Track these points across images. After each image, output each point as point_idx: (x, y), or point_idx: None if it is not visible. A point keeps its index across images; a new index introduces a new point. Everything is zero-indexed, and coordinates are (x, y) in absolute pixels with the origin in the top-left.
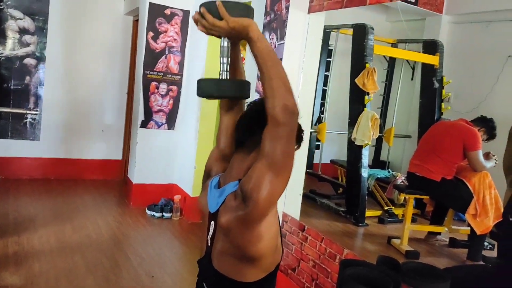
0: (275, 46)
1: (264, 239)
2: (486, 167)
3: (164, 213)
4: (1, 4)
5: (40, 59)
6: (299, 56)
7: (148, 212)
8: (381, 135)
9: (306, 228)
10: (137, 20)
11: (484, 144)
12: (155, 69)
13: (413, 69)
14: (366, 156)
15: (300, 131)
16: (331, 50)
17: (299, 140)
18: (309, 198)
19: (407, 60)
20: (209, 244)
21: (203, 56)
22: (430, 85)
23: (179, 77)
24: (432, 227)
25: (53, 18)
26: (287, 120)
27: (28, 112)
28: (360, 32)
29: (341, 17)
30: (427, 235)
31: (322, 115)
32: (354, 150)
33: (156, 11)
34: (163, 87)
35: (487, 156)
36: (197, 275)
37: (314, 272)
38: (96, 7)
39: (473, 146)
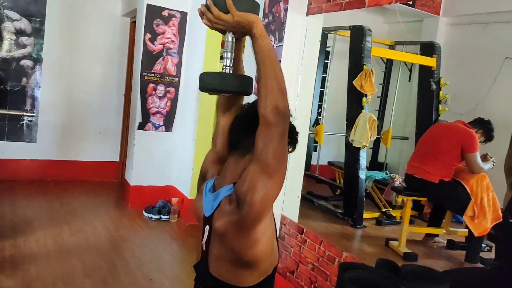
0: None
1: (260, 242)
2: (484, 169)
3: (161, 215)
4: None
5: (37, 60)
6: (297, 58)
7: (146, 214)
8: (378, 136)
9: (304, 231)
10: (135, 22)
11: (481, 146)
12: (152, 71)
13: (410, 70)
14: (364, 158)
15: (294, 133)
16: (329, 51)
17: (293, 142)
18: (307, 200)
19: (404, 62)
20: (203, 249)
21: (200, 58)
22: (428, 86)
23: (177, 78)
24: (430, 229)
25: (50, 19)
26: (278, 121)
27: (24, 114)
28: (358, 34)
29: (338, 18)
30: (425, 237)
31: (319, 117)
32: (352, 152)
33: (154, 12)
34: (161, 88)
35: (484, 158)
36: (194, 280)
37: (313, 275)
38: (93, 9)
39: (471, 148)
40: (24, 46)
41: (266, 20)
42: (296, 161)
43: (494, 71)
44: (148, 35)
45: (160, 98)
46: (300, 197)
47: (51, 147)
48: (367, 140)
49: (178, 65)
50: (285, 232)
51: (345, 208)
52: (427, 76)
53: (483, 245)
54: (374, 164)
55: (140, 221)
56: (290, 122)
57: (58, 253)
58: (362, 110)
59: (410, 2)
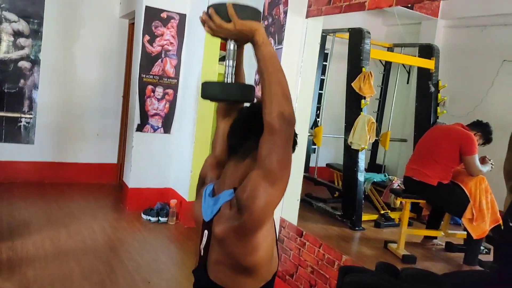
0: None
1: (260, 249)
2: (482, 171)
3: (160, 218)
4: None
5: (35, 62)
6: (297, 60)
7: (144, 216)
8: (377, 139)
9: (304, 234)
10: (133, 23)
11: (480, 149)
12: (151, 73)
13: (408, 73)
14: (363, 160)
15: (294, 135)
16: (327, 53)
17: (294, 144)
18: (305, 202)
19: (403, 64)
20: (201, 254)
21: (199, 60)
22: (426, 89)
23: (175, 80)
24: (428, 231)
25: (48, 21)
26: (283, 128)
27: (22, 115)
28: (357, 36)
29: (336, 20)
30: (424, 239)
31: (318, 119)
32: (351, 154)
33: (153, 14)
34: (159, 90)
35: (483, 160)
36: (193, 286)
37: (312, 278)
38: (91, 10)
39: (469, 150)
40: (22, 47)
41: (266, 23)
42: (295, 163)
43: (492, 74)
44: (147, 37)
45: (158, 100)
46: (299, 200)
47: (48, 149)
48: (366, 142)
49: (177, 67)
50: (284, 235)
51: (344, 210)
52: (425, 79)
53: (482, 248)
54: (373, 166)
55: (138, 223)
56: None
57: (55, 255)
58: (361, 113)
59: (405, 4)
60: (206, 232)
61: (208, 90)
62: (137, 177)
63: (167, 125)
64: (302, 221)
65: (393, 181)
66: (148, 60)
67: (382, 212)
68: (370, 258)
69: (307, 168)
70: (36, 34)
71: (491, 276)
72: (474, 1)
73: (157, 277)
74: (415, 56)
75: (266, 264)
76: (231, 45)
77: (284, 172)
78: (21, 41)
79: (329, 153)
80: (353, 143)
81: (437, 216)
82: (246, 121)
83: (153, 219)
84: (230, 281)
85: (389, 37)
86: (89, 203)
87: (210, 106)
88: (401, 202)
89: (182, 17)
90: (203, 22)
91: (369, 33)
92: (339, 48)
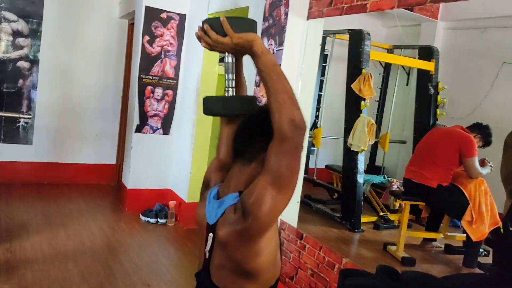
0: (273, 52)
1: (263, 254)
2: (482, 173)
3: (158, 219)
4: None
5: (34, 62)
6: (297, 62)
7: (142, 218)
8: (376, 140)
9: (304, 236)
10: (133, 24)
11: (479, 151)
12: (150, 73)
13: (408, 74)
14: (362, 162)
15: None
16: (327, 55)
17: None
18: (304, 203)
19: (402, 66)
20: (206, 257)
21: (199, 61)
22: (426, 90)
23: (175, 81)
24: (427, 234)
25: (47, 20)
26: (295, 135)
27: (21, 115)
28: (357, 38)
29: (336, 22)
30: (423, 241)
31: (317, 120)
32: (350, 156)
33: (152, 14)
34: (159, 91)
35: (482, 162)
36: None
37: (312, 281)
38: (91, 10)
39: (469, 153)
40: (21, 47)
41: (267, 24)
42: None
43: (491, 76)
44: (147, 37)
45: (158, 100)
46: (299, 202)
47: (47, 149)
48: (366, 144)
49: (177, 68)
50: (284, 237)
51: (343, 212)
52: (425, 80)
53: (481, 250)
54: (372, 168)
55: (137, 224)
56: None
57: (54, 257)
58: (361, 114)
59: (407, 7)
60: (211, 235)
61: (210, 106)
62: (136, 178)
63: (166, 126)
64: (301, 223)
65: (393, 183)
66: (148, 61)
67: (381, 214)
68: (369, 260)
69: (306, 169)
70: (35, 34)
71: (491, 279)
72: (474, 3)
73: (156, 279)
74: (415, 57)
75: (268, 269)
76: (229, 59)
77: (293, 179)
78: (20, 41)
79: (328, 155)
80: (352, 145)
81: (436, 218)
82: (252, 125)
83: (152, 220)
84: (233, 285)
85: (389, 39)
86: (87, 204)
87: None
88: (400, 204)
89: (182, 17)
90: (199, 38)
91: (369, 34)
92: (339, 49)
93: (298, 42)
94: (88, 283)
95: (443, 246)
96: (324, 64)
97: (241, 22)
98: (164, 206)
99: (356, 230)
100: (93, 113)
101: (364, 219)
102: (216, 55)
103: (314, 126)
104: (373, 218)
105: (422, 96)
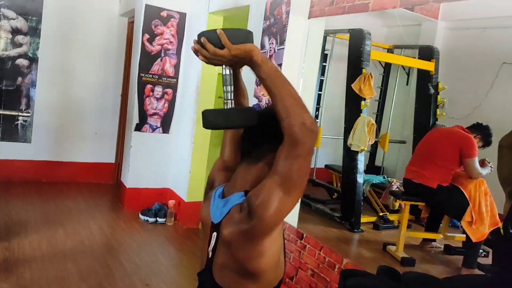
0: (274, 51)
1: (267, 255)
2: (482, 174)
3: (158, 218)
4: None
5: (33, 60)
6: (299, 61)
7: (142, 217)
8: (376, 140)
9: (304, 236)
10: (133, 22)
11: (480, 151)
12: (150, 72)
13: (408, 74)
14: (362, 162)
15: None
16: (327, 54)
17: None
18: (304, 203)
19: (402, 66)
20: (209, 256)
21: (199, 60)
22: (426, 90)
23: (175, 80)
24: (427, 234)
25: (47, 18)
26: (307, 138)
27: (19, 114)
28: (357, 38)
29: (336, 21)
30: (422, 241)
31: (317, 120)
32: (350, 156)
33: (152, 13)
34: (158, 90)
35: (482, 163)
36: None
37: (313, 282)
38: (90, 8)
39: (469, 153)
40: (20, 45)
41: (268, 23)
42: None
43: (491, 76)
44: (146, 36)
45: (157, 99)
46: (299, 202)
47: (46, 147)
48: (366, 144)
49: (176, 67)
50: (284, 237)
51: (343, 212)
52: (425, 80)
53: (480, 250)
54: (372, 168)
55: (136, 224)
56: None
57: (52, 256)
58: (361, 114)
59: (410, 6)
60: (215, 234)
61: (210, 119)
62: (135, 177)
63: (166, 125)
64: (300, 223)
65: (392, 183)
66: (148, 59)
67: (381, 214)
68: (369, 260)
69: None
70: (34, 31)
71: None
72: (474, 3)
73: (156, 279)
74: (415, 57)
75: (271, 270)
76: (227, 71)
77: (302, 181)
78: (19, 38)
79: (328, 154)
80: (352, 145)
81: (436, 218)
82: (260, 127)
83: (151, 219)
84: (235, 285)
85: (389, 39)
86: (86, 203)
87: (210, 106)
88: (400, 204)
89: (182, 16)
90: (196, 52)
91: (369, 34)
92: (339, 49)
93: (299, 41)
94: (87, 282)
95: (442, 246)
96: (324, 64)
97: (238, 33)
98: (163, 205)
99: (355, 230)
100: (92, 112)
101: (363, 219)
102: None
103: None
104: (373, 218)
105: (422, 96)
